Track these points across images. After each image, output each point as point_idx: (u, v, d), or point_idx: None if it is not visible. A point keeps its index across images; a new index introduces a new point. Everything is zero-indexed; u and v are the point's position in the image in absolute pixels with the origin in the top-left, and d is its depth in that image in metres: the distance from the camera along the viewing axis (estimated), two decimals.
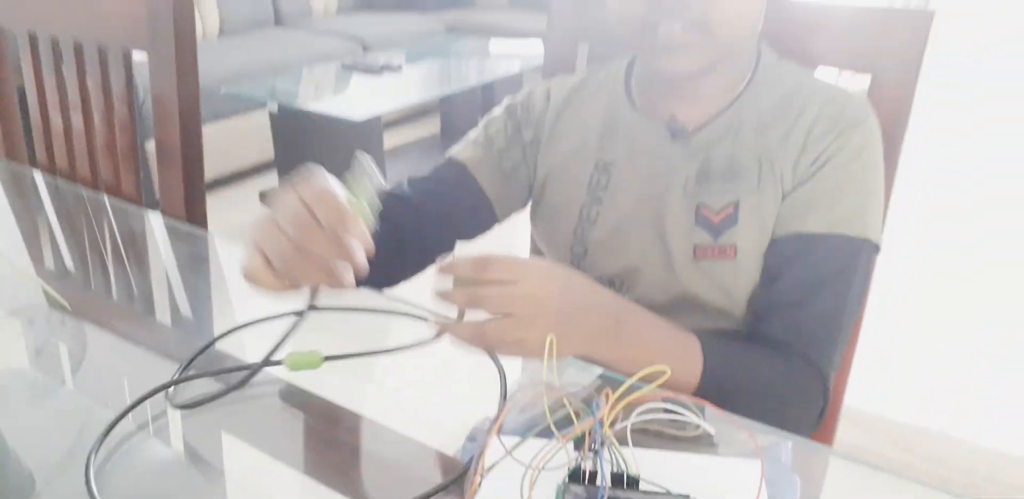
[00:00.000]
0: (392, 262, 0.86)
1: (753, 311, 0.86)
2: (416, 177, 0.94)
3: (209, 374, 0.75)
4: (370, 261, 0.72)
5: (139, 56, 1.15)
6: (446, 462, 0.67)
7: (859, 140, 0.82)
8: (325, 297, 0.74)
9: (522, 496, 0.54)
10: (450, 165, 0.95)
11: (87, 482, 0.61)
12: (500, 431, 0.61)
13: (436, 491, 0.61)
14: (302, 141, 3.15)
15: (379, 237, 0.76)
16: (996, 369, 1.69)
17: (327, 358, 0.75)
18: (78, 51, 1.21)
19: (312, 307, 0.77)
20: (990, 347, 1.70)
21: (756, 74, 0.87)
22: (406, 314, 0.86)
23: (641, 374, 0.59)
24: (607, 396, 0.57)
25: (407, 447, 0.69)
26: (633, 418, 0.57)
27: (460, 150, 0.96)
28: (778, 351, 0.80)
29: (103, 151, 1.24)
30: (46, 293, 0.86)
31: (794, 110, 0.84)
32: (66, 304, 0.85)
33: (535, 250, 1.04)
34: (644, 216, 0.89)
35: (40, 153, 1.35)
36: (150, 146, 1.25)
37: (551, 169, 0.95)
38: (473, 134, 0.97)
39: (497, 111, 0.98)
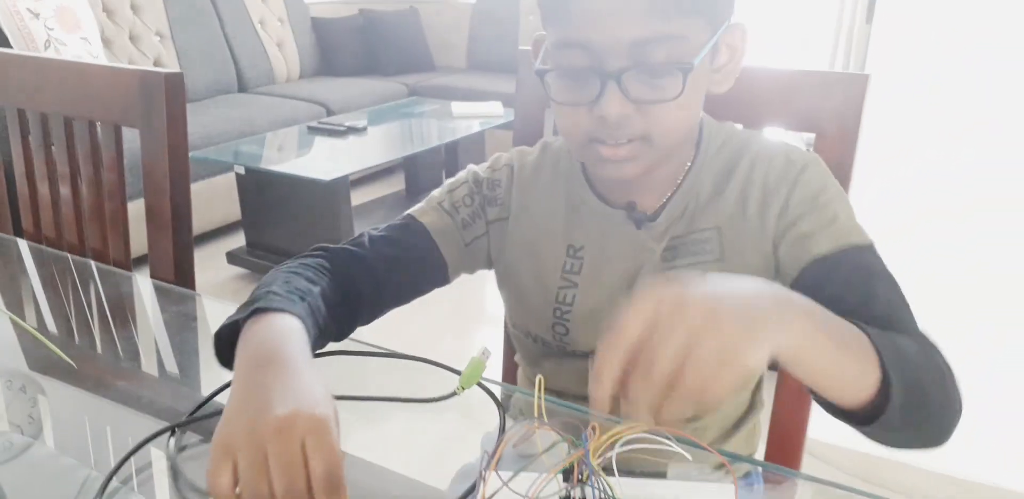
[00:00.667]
0: (344, 314, 0.86)
1: None
2: (376, 234, 0.95)
3: (209, 416, 0.80)
4: (324, 313, 0.79)
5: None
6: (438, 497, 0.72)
7: (814, 175, 0.86)
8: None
9: None
10: (411, 226, 0.95)
11: None
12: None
13: None
14: (269, 201, 3.20)
15: (333, 290, 0.84)
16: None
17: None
18: (68, 125, 1.26)
19: None
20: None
21: (700, 149, 0.90)
22: (412, 358, 0.91)
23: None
24: (594, 429, 0.63)
25: (398, 483, 0.74)
26: (618, 448, 0.63)
27: (423, 212, 0.96)
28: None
29: (91, 220, 1.28)
30: (52, 350, 0.89)
31: (742, 171, 0.88)
32: (71, 361, 0.89)
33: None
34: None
35: (26, 222, 1.39)
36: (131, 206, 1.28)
37: (519, 250, 0.97)
38: (436, 197, 0.98)
39: (462, 177, 0.99)
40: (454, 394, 0.86)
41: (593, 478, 0.62)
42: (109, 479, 0.71)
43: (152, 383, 0.93)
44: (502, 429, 0.77)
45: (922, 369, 0.70)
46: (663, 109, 0.79)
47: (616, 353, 0.57)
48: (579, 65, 0.78)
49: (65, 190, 1.31)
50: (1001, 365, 1.76)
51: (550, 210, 0.96)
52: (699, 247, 0.90)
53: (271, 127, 3.70)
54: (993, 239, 1.73)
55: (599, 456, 0.63)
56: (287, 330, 0.72)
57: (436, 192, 0.98)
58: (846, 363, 0.64)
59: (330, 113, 4.08)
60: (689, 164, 0.90)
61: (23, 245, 1.30)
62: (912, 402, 0.66)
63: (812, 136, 1.03)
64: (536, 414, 0.64)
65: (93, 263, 1.22)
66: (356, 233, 0.94)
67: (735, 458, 0.79)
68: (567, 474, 0.64)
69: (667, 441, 0.63)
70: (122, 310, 1.11)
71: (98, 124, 1.22)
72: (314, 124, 3.46)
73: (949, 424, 0.73)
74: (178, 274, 1.20)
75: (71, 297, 1.14)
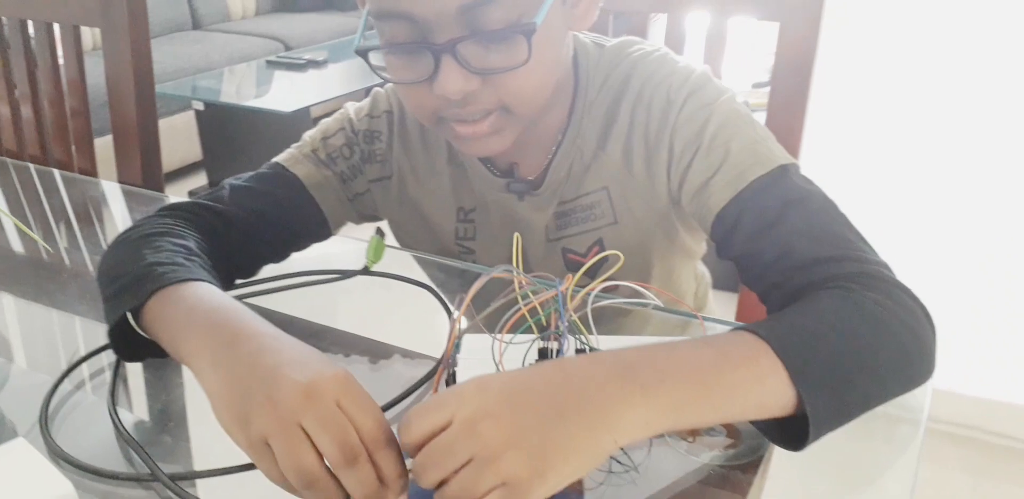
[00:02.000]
0: (220, 271, 0.74)
1: (760, 292, 0.72)
2: (240, 185, 0.84)
3: None
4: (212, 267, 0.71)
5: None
6: (427, 363, 0.74)
7: (695, 107, 0.76)
8: None
9: (493, 359, 0.61)
10: (283, 177, 0.85)
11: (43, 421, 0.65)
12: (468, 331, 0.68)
13: (420, 383, 0.68)
14: (230, 137, 3.16)
15: (203, 247, 0.74)
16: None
17: None
18: (23, 28, 1.24)
19: None
20: None
21: (577, 95, 0.81)
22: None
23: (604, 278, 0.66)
24: (568, 278, 0.65)
25: (388, 352, 0.76)
26: (591, 300, 0.65)
27: (295, 161, 0.86)
28: (818, 292, 0.63)
29: (55, 132, 1.27)
30: (19, 228, 0.89)
31: (622, 121, 0.80)
32: (46, 245, 0.89)
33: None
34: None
35: None
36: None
37: (408, 213, 0.91)
38: (309, 144, 0.88)
39: (337, 122, 0.89)
40: (366, 269, 0.87)
41: (566, 324, 0.64)
42: (58, 383, 0.69)
43: None
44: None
45: (848, 339, 0.57)
46: (514, 77, 0.69)
47: (406, 436, 0.49)
48: (406, 39, 0.68)
49: (25, 100, 1.29)
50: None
51: (435, 169, 0.88)
52: (589, 212, 0.84)
53: (228, 63, 3.63)
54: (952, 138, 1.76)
55: (575, 310, 0.65)
56: (219, 299, 0.63)
57: (307, 136, 0.89)
58: (732, 405, 0.53)
59: (288, 49, 4.00)
60: (565, 118, 0.82)
61: None
62: (850, 384, 0.55)
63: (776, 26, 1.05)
64: (515, 263, 0.65)
65: (57, 171, 1.20)
66: None
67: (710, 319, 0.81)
68: (542, 330, 0.66)
69: (648, 293, 0.66)
70: (88, 214, 1.11)
71: (55, 25, 1.19)
72: (273, 58, 3.40)
73: (908, 384, 0.60)
74: (146, 180, 1.19)
75: (37, 204, 1.13)
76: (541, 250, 0.88)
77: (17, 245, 0.97)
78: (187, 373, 0.64)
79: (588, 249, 0.87)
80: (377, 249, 0.88)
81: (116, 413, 0.66)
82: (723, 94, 0.77)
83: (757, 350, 0.53)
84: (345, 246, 0.92)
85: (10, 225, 1.01)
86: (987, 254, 1.77)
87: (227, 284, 0.80)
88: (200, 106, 3.09)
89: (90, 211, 1.11)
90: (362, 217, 0.93)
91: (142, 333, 0.65)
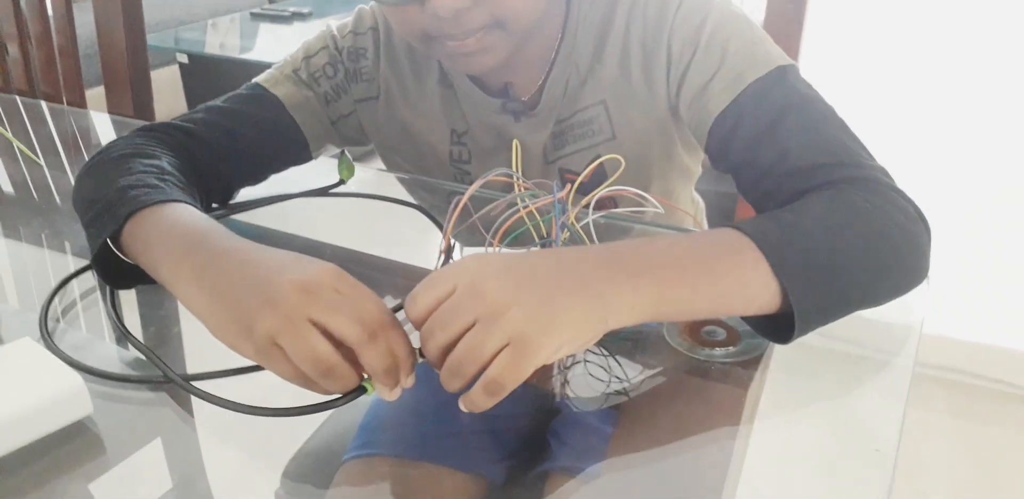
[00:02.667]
0: (191, 191, 0.71)
1: (754, 201, 0.72)
2: (217, 106, 0.81)
3: None
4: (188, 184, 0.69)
5: None
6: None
7: (691, 7, 0.75)
8: None
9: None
10: (262, 98, 0.82)
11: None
12: (463, 242, 0.69)
13: None
14: (216, 91, 3.11)
15: (178, 166, 0.72)
16: None
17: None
18: None
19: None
20: None
21: (571, 8, 0.79)
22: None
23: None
24: (568, 186, 0.65)
25: (380, 264, 0.76)
26: (592, 209, 0.65)
27: (276, 81, 0.84)
28: (809, 194, 0.63)
29: (43, 69, 1.25)
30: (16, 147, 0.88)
31: (618, 30, 0.78)
32: (40, 160, 0.88)
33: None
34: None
35: None
36: None
37: (398, 136, 0.89)
38: (290, 63, 0.86)
39: (320, 41, 0.86)
40: (341, 182, 0.86)
41: (561, 229, 0.64)
42: (45, 313, 0.67)
43: None
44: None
45: (833, 233, 0.57)
46: None
47: (411, 309, 0.51)
48: None
49: (10, 35, 1.27)
50: None
51: (425, 90, 0.85)
52: (586, 128, 0.82)
53: (212, 15, 3.57)
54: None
55: (574, 219, 0.65)
56: (195, 219, 0.61)
57: (289, 56, 0.87)
58: (717, 295, 0.53)
59: (272, 1, 3.94)
60: (559, 35, 0.79)
61: None
62: (835, 277, 0.55)
63: None
64: (515, 169, 0.65)
65: (44, 103, 1.19)
66: None
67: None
68: (540, 239, 0.67)
69: (651, 199, 0.66)
70: (76, 144, 1.09)
71: None
72: (257, 10, 3.35)
73: (900, 283, 0.60)
74: (137, 112, 1.18)
75: (22, 133, 1.12)
76: (538, 172, 0.87)
77: (3, 172, 0.96)
78: None
79: (586, 167, 0.86)
80: (349, 167, 0.86)
81: (120, 318, 0.66)
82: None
83: (740, 244, 0.54)
84: (315, 166, 0.90)
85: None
86: (975, 204, 1.78)
87: (203, 207, 0.75)
88: (184, 59, 3.05)
89: (79, 141, 1.10)
90: (345, 140, 0.90)
91: (125, 259, 0.63)
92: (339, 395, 0.51)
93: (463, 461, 0.56)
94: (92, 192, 0.67)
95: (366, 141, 0.92)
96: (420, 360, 0.51)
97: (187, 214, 0.62)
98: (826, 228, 0.57)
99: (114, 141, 0.74)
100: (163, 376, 0.58)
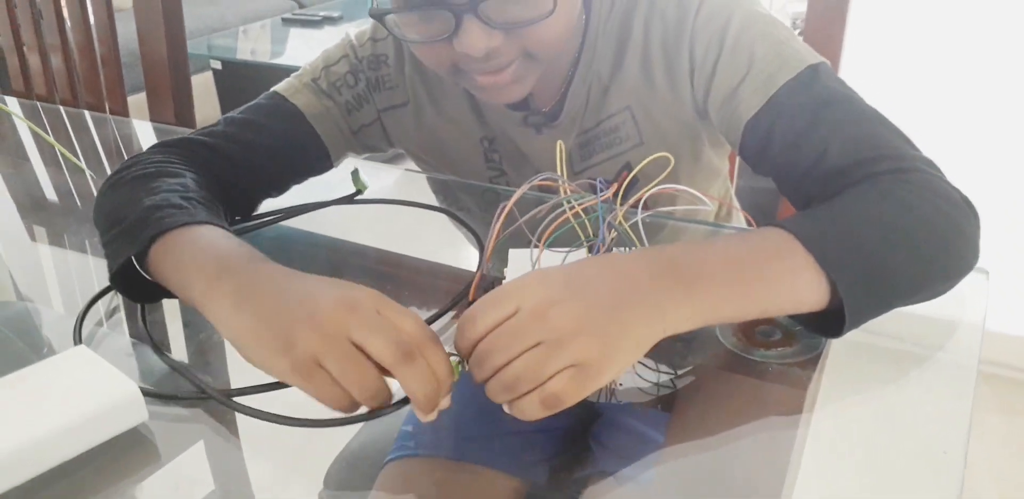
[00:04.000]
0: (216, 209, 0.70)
1: (800, 205, 0.71)
2: (238, 117, 0.80)
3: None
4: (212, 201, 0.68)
5: None
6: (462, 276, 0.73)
7: (713, 9, 0.73)
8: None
9: (532, 264, 0.61)
10: (281, 108, 0.81)
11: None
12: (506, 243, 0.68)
13: (462, 294, 0.68)
14: (249, 97, 3.14)
15: (200, 183, 0.70)
16: None
17: None
18: None
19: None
20: None
21: (591, 19, 0.77)
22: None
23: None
24: (614, 186, 0.65)
25: (427, 267, 0.76)
26: (641, 207, 0.64)
27: (295, 91, 0.82)
28: (850, 189, 0.62)
29: (86, 80, 1.27)
30: (63, 155, 0.88)
31: (637, 35, 0.76)
32: (84, 166, 0.89)
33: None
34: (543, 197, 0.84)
35: (16, 84, 1.37)
36: None
37: (428, 143, 0.88)
38: (310, 72, 0.84)
39: (340, 49, 0.85)
40: (359, 192, 0.84)
41: (606, 231, 0.63)
42: (81, 320, 0.67)
43: None
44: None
45: (878, 225, 0.56)
46: (540, 26, 0.66)
47: (465, 329, 0.50)
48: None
49: (53, 47, 1.28)
50: None
51: (454, 97, 0.84)
52: (614, 136, 0.81)
53: (243, 23, 3.60)
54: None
55: (622, 219, 0.64)
56: (226, 241, 0.60)
57: (308, 65, 0.85)
58: (769, 298, 0.53)
59: (302, 7, 3.97)
60: (578, 45, 0.78)
61: (12, 102, 1.28)
62: (884, 269, 0.54)
63: None
64: (560, 172, 0.65)
65: (87, 112, 1.20)
66: None
67: None
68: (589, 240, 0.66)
69: (698, 194, 0.65)
70: (119, 152, 1.10)
71: None
72: (288, 16, 3.38)
73: (950, 270, 0.58)
74: (178, 120, 1.19)
75: (66, 142, 1.13)
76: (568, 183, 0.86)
77: (45, 180, 0.97)
78: None
79: (616, 175, 0.84)
80: (360, 182, 0.84)
81: (150, 334, 0.64)
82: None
83: (787, 244, 0.53)
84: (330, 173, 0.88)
85: (37, 160, 1.01)
86: None
87: (227, 221, 0.73)
88: (218, 65, 3.08)
89: (121, 149, 1.11)
90: (366, 148, 0.89)
91: (147, 277, 0.62)
92: (390, 404, 0.50)
93: (505, 462, 0.56)
94: (115, 211, 0.66)
95: (387, 149, 0.91)
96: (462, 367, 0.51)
97: (219, 236, 0.61)
98: (870, 220, 0.56)
99: (135, 157, 0.73)
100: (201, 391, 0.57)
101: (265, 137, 0.79)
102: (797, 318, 0.59)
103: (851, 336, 0.54)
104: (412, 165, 0.96)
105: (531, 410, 0.48)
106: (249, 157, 0.77)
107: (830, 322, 0.54)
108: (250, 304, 0.52)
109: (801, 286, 0.53)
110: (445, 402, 0.50)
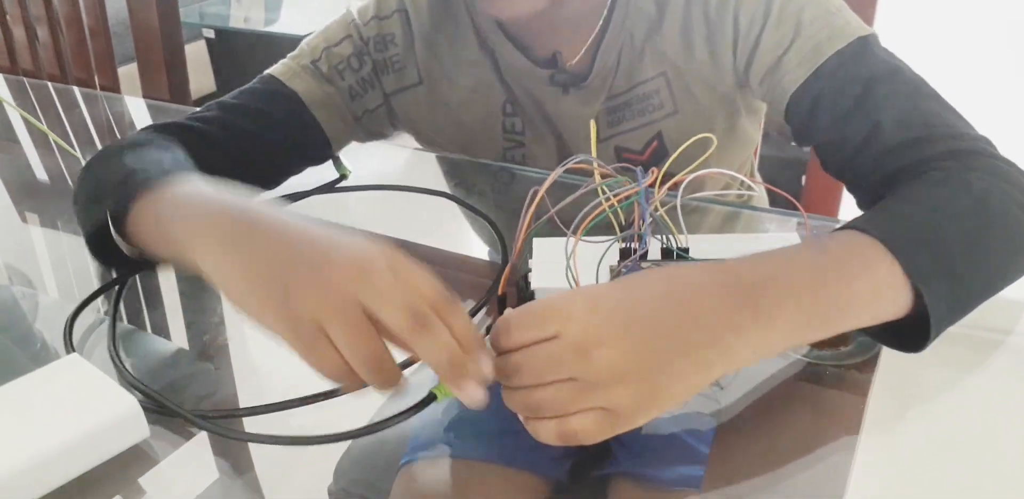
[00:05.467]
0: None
1: (848, 181, 0.68)
2: (231, 102, 0.75)
3: None
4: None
5: None
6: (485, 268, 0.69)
7: None
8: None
9: (567, 260, 0.55)
10: (279, 94, 0.76)
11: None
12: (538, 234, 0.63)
13: (492, 290, 0.63)
14: (244, 66, 3.07)
15: (187, 160, 0.65)
16: None
17: None
18: None
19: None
20: None
21: None
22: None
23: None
24: (654, 172, 0.60)
25: (440, 256, 0.71)
26: (682, 190, 0.59)
27: (293, 74, 0.77)
28: (918, 178, 0.58)
29: (74, 52, 1.20)
30: (56, 143, 0.83)
31: (678, 1, 0.72)
32: (77, 153, 0.83)
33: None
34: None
35: (2, 58, 1.31)
36: None
37: (441, 119, 0.83)
38: (308, 53, 0.78)
39: (341, 27, 0.79)
40: (343, 177, 0.79)
41: (648, 221, 0.58)
42: (70, 327, 0.61)
43: None
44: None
45: (960, 226, 0.52)
46: None
47: (499, 339, 0.45)
48: None
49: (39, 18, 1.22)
50: None
51: (469, 63, 0.79)
52: (646, 103, 0.76)
53: None
54: None
55: (659, 204, 0.59)
56: (221, 192, 0.53)
57: (306, 45, 0.79)
58: (846, 320, 0.48)
59: None
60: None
61: None
62: (968, 276, 0.50)
63: None
64: (594, 155, 0.60)
65: (76, 88, 1.14)
66: None
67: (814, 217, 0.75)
68: (624, 230, 0.61)
69: (747, 181, 0.60)
70: (112, 131, 1.05)
71: None
72: None
73: None
74: (173, 95, 1.13)
75: (55, 121, 1.07)
76: (589, 150, 0.81)
77: (38, 165, 0.92)
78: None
79: (645, 145, 0.79)
80: (343, 168, 0.79)
81: (118, 355, 0.57)
82: None
83: (871, 251, 0.48)
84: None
85: (29, 144, 0.96)
86: None
87: None
88: (211, 34, 2.99)
89: (114, 128, 1.05)
90: (369, 135, 0.84)
91: (121, 243, 0.57)
92: (407, 408, 0.46)
93: (525, 460, 0.53)
94: (95, 179, 0.61)
95: (390, 134, 0.86)
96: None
97: (211, 187, 0.54)
98: (951, 219, 0.51)
99: (120, 138, 0.69)
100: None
101: (260, 125, 0.73)
102: (867, 332, 0.51)
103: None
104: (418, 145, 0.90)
105: (545, 435, 0.43)
106: (243, 146, 0.72)
107: (902, 332, 0.49)
108: (247, 242, 0.47)
109: (884, 304, 0.47)
110: (487, 368, 0.44)
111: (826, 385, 0.53)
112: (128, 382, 0.53)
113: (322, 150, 0.78)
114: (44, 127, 0.86)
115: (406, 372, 0.52)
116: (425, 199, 0.79)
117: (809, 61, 0.66)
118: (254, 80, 0.77)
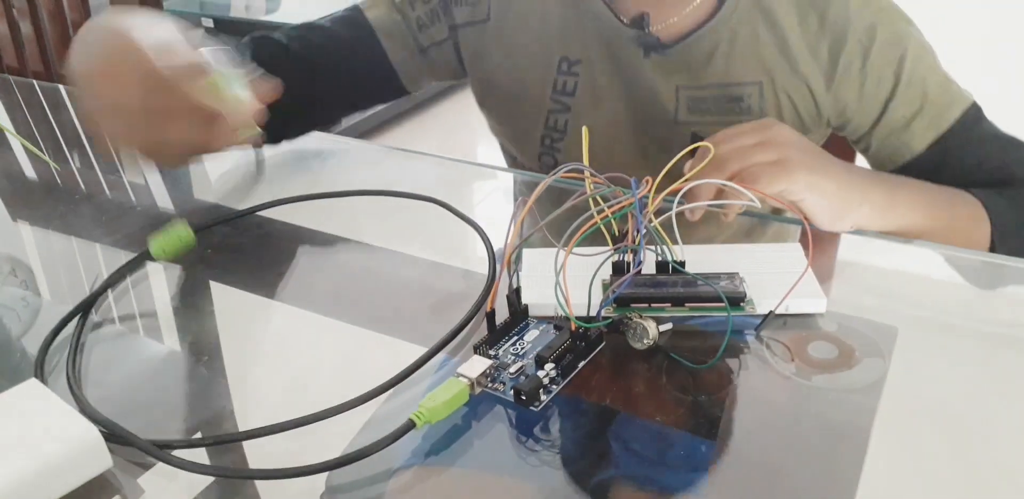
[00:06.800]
0: (277, 116, 0.68)
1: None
2: (317, 23, 0.78)
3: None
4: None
5: None
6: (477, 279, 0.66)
7: (891, 36, 0.73)
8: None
9: (556, 271, 0.52)
10: (356, 20, 0.79)
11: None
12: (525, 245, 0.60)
13: (478, 305, 0.60)
14: None
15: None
16: None
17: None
18: None
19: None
20: None
21: None
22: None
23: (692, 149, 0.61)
24: (648, 181, 0.57)
25: (432, 270, 0.68)
26: (677, 201, 0.56)
27: (372, 4, 0.81)
28: None
29: (58, 47, 1.17)
30: (26, 148, 0.81)
31: (787, 22, 0.74)
32: (49, 160, 0.81)
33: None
34: (625, 138, 0.79)
35: None
36: None
37: (500, 62, 0.82)
38: None
39: None
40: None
41: (643, 233, 0.55)
42: (88, 309, 0.61)
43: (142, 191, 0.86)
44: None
45: None
46: None
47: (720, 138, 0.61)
48: None
49: (22, 11, 1.19)
50: None
51: (541, 11, 0.78)
52: (735, 105, 0.77)
53: None
54: None
55: (652, 216, 0.56)
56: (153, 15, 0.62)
57: None
58: (947, 230, 0.67)
59: None
60: None
61: None
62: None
63: None
64: (586, 162, 0.57)
65: (62, 87, 1.11)
66: None
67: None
68: (617, 241, 0.58)
69: (738, 188, 0.57)
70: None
71: None
72: None
73: None
74: None
75: (42, 118, 1.04)
76: (663, 130, 0.78)
77: (28, 168, 0.89)
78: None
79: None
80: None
81: (77, 380, 0.54)
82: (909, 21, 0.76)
83: (976, 206, 0.71)
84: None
85: (18, 145, 0.93)
86: None
87: (294, 125, 0.75)
88: (210, 23, 2.96)
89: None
90: (436, 71, 0.84)
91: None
92: (385, 436, 0.45)
93: (520, 469, 0.49)
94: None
95: (460, 73, 0.85)
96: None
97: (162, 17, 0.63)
98: None
99: None
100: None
101: (338, 49, 0.76)
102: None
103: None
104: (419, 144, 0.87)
105: (734, 162, 0.59)
106: (316, 66, 0.75)
107: None
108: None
109: (974, 235, 0.69)
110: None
111: (831, 407, 0.50)
112: (83, 410, 0.50)
113: (391, 83, 0.80)
114: (12, 131, 0.83)
115: (380, 398, 0.50)
116: (425, 205, 0.76)
117: (935, 126, 0.74)
118: (345, 7, 0.80)
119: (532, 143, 0.82)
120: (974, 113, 0.76)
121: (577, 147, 0.79)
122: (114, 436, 0.47)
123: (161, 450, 0.46)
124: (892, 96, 0.75)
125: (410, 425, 0.47)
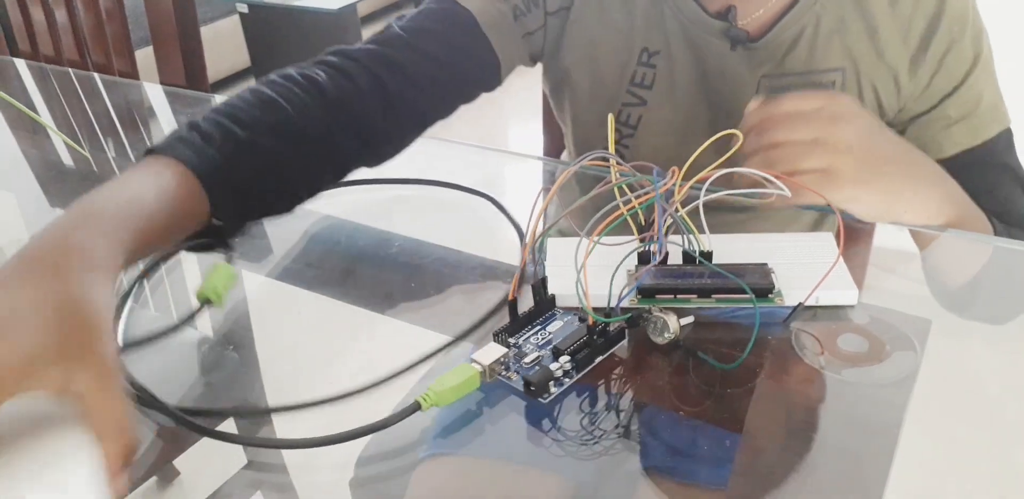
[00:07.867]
0: (378, 127, 0.69)
1: None
2: (411, 26, 0.74)
3: None
4: (350, 131, 0.64)
5: None
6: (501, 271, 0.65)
7: (972, 36, 0.73)
8: None
9: (576, 263, 0.52)
10: (455, 15, 0.75)
11: None
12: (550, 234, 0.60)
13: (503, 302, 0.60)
14: (277, 40, 3.05)
15: (364, 96, 0.67)
16: None
17: None
18: None
19: None
20: None
21: None
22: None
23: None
24: (674, 172, 0.56)
25: (466, 260, 0.68)
26: (705, 189, 0.55)
27: None
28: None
29: (92, 35, 1.18)
30: (67, 144, 0.82)
31: (904, 12, 0.72)
32: (87, 153, 0.82)
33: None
34: (698, 134, 0.76)
35: (23, 44, 1.30)
36: None
37: (580, 51, 0.80)
38: None
39: None
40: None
41: (664, 225, 0.54)
42: (124, 300, 0.63)
43: None
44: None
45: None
46: None
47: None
48: None
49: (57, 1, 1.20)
50: None
51: (627, 3, 0.77)
52: (818, 90, 0.75)
53: None
54: None
55: (679, 205, 0.55)
56: (133, 189, 0.55)
57: None
58: (957, 218, 0.65)
59: None
60: None
61: (20, 64, 1.20)
62: None
63: None
64: (612, 151, 0.56)
65: (97, 75, 1.12)
66: None
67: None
68: (643, 231, 0.57)
69: (771, 178, 0.55)
70: (131, 117, 1.03)
71: None
72: None
73: None
74: (189, 80, 1.11)
75: (79, 108, 1.05)
76: (740, 121, 0.77)
77: (66, 157, 0.90)
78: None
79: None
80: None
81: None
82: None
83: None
84: None
85: (56, 136, 0.94)
86: None
87: (385, 146, 0.70)
88: (244, 8, 2.97)
89: (135, 117, 1.03)
90: (521, 61, 0.82)
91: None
92: (390, 415, 0.47)
93: (547, 461, 0.50)
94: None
95: (535, 61, 0.84)
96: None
97: (147, 184, 0.56)
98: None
99: (298, 66, 0.69)
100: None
101: (443, 49, 0.72)
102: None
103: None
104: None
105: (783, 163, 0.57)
106: (428, 71, 0.71)
107: None
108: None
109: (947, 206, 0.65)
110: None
111: (861, 401, 0.49)
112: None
113: (492, 75, 0.77)
114: (52, 128, 0.84)
115: (407, 385, 0.50)
116: (464, 196, 0.77)
117: (973, 135, 0.74)
118: (430, 1, 0.76)
119: (602, 136, 0.81)
120: (1007, 137, 0.76)
121: (647, 145, 0.80)
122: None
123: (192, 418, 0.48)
124: (952, 94, 0.74)
125: (415, 406, 0.47)
